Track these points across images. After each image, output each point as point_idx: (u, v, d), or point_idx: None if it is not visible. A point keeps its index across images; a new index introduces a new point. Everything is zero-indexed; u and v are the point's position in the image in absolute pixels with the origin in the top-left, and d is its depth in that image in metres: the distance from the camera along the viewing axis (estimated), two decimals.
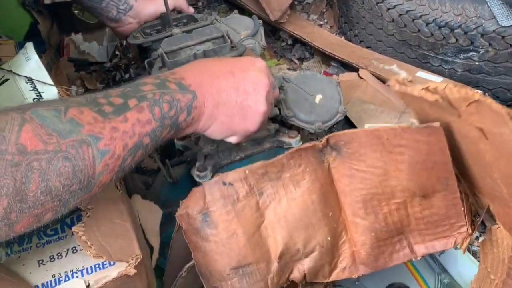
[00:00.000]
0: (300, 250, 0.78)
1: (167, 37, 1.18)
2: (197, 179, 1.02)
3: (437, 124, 0.73)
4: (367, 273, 0.82)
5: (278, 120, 1.08)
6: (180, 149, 1.15)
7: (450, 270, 1.09)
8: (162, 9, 1.22)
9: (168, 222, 1.04)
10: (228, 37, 1.14)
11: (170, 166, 1.06)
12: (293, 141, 1.05)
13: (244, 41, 1.19)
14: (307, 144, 0.77)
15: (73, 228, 0.76)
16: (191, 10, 1.30)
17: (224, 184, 0.74)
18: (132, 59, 1.67)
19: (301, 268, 0.79)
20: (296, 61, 1.67)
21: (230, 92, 0.82)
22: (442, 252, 0.85)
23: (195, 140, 1.11)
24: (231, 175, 0.74)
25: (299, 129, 1.09)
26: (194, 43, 1.12)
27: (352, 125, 1.32)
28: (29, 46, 1.06)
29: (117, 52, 1.68)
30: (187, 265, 0.85)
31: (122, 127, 0.69)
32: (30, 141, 0.61)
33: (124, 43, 1.70)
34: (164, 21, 1.23)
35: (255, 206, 0.76)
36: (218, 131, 0.84)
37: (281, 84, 1.04)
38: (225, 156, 1.06)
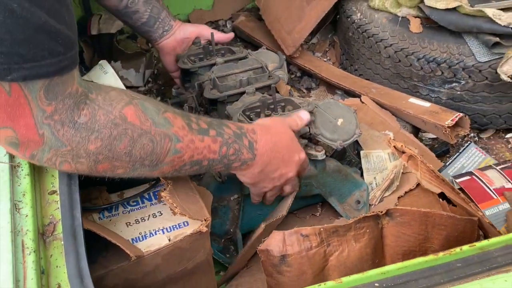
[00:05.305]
0: None
1: (211, 64, 1.44)
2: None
3: (475, 218, 1.06)
4: None
5: (307, 137, 1.30)
6: None
7: None
8: (193, 32, 1.57)
9: (212, 215, 1.26)
10: (266, 68, 1.40)
11: None
12: (319, 154, 1.27)
13: (276, 72, 1.46)
14: (372, 213, 1.04)
15: (162, 194, 0.99)
16: (229, 35, 1.59)
17: (302, 235, 1.00)
18: (162, 85, 1.92)
19: None
20: (304, 90, 1.94)
21: (274, 168, 1.09)
22: None
23: None
24: (308, 229, 1.00)
25: (323, 145, 1.32)
26: (239, 71, 1.38)
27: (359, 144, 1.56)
28: (104, 62, 1.31)
29: (149, 79, 1.93)
30: None
31: (197, 144, 0.93)
32: (130, 116, 0.84)
33: (156, 71, 1.96)
34: (206, 51, 1.50)
35: (323, 253, 1.01)
36: (247, 180, 1.11)
37: (313, 108, 1.28)
38: None
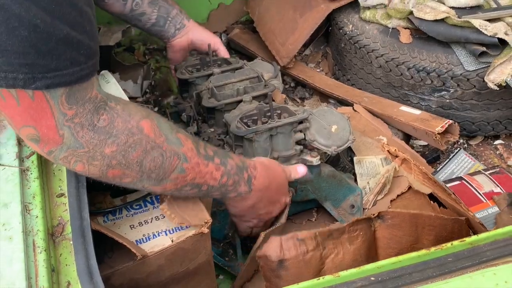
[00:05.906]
0: None
1: (209, 74, 1.49)
2: None
3: (463, 218, 1.10)
4: None
5: (302, 143, 1.35)
6: None
7: None
8: (210, 40, 1.60)
9: (212, 219, 1.30)
10: (262, 77, 1.45)
11: None
12: (314, 159, 1.32)
13: (271, 81, 1.51)
14: (364, 217, 1.09)
15: (160, 207, 1.02)
16: (226, 54, 1.63)
17: (298, 240, 1.02)
18: (160, 96, 1.97)
19: None
20: (298, 100, 1.99)
21: (264, 205, 1.17)
22: None
23: None
24: (304, 234, 1.03)
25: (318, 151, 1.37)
26: (236, 81, 1.43)
27: (352, 151, 1.61)
28: (106, 72, 1.34)
29: (147, 90, 1.98)
30: None
31: (201, 167, 0.99)
32: (146, 128, 0.89)
33: (153, 82, 2.01)
34: (203, 61, 1.54)
35: (319, 257, 1.04)
36: (236, 212, 1.18)
37: (308, 115, 1.33)
38: None
